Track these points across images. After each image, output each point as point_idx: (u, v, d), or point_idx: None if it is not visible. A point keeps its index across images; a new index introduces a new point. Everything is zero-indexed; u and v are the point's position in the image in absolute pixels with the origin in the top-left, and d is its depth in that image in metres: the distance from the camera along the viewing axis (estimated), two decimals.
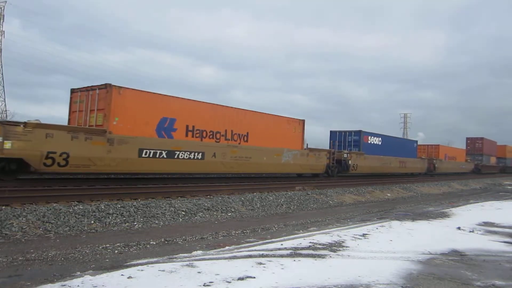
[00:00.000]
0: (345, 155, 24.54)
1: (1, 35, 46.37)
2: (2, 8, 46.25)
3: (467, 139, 54.63)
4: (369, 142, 27.37)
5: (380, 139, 28.90)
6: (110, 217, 9.52)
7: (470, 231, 9.70)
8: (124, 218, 9.67)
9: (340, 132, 27.56)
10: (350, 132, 27.17)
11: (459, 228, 10.06)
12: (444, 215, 12.68)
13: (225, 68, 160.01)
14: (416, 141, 37.69)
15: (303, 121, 21.30)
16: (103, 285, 4.66)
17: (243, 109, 18.15)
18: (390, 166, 29.99)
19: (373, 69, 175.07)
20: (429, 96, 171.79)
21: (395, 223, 10.60)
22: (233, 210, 12.33)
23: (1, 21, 46.28)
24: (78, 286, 4.64)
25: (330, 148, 24.79)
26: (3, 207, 8.81)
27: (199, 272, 5.26)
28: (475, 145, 52.92)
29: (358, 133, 26.96)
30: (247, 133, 17.82)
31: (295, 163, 20.46)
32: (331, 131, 28.19)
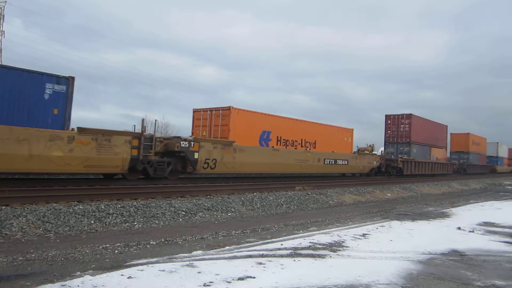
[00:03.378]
0: None
1: (1, 35, 46.29)
2: (2, 8, 46.14)
3: (387, 117, 31.83)
4: None
5: None
6: (110, 217, 9.52)
7: (470, 231, 9.70)
8: (124, 218, 9.67)
9: None
10: None
11: (459, 228, 10.07)
12: (444, 215, 12.69)
13: (226, 68, 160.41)
14: None
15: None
16: (103, 285, 4.66)
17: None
18: None
19: (375, 69, 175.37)
20: (431, 95, 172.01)
21: (395, 223, 10.60)
22: (233, 210, 12.33)
23: (1, 21, 46.22)
24: (78, 286, 4.64)
25: None
26: (3, 207, 8.81)
27: (199, 272, 5.27)
28: (398, 129, 30.86)
29: None
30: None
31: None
32: None
